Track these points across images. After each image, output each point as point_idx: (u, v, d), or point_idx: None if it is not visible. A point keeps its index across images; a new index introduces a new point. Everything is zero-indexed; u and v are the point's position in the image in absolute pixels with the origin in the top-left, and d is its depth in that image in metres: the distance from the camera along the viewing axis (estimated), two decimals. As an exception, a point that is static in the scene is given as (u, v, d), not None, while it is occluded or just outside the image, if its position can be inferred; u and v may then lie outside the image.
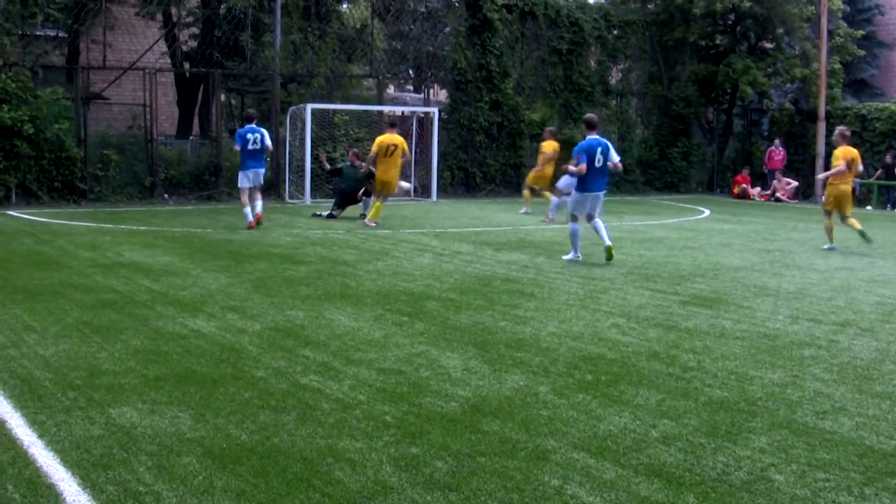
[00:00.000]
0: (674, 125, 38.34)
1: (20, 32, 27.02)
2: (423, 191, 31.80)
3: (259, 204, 20.68)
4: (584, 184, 16.14)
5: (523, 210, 26.48)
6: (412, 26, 36.68)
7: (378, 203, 21.86)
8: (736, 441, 6.53)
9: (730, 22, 38.13)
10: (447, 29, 35.48)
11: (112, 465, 5.76)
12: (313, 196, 28.78)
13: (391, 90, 41.72)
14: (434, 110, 31.94)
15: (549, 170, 25.22)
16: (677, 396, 7.60)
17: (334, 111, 30.91)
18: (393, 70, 37.03)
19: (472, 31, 33.74)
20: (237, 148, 20.37)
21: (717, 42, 38.98)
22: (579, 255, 16.11)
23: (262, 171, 20.76)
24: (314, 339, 9.43)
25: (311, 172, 28.77)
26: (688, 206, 31.31)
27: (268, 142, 20.55)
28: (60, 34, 31.80)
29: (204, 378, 7.84)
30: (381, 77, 34.53)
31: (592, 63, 37.36)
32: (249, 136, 20.05)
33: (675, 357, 9.01)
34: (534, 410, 7.11)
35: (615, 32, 37.74)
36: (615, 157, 16.29)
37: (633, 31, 37.82)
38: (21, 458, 5.89)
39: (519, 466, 5.91)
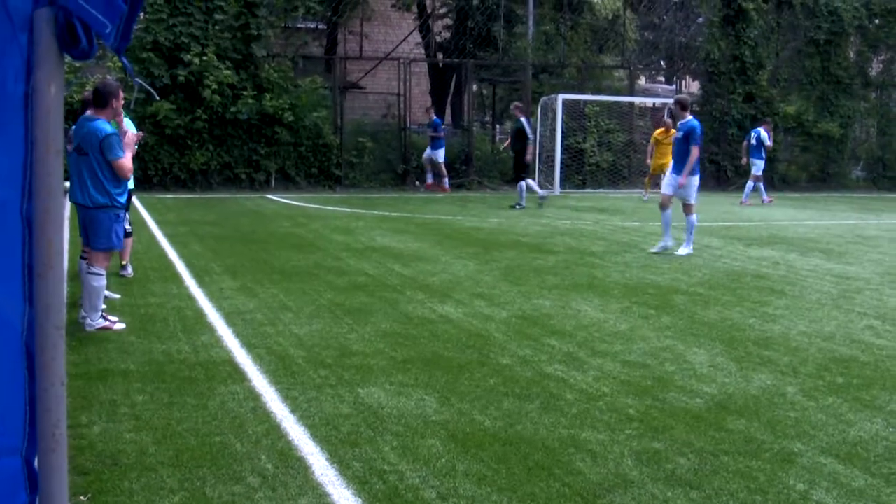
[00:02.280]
0: (939, 118, 36.49)
1: (283, 25, 28.12)
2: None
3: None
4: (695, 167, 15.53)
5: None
6: (664, 17, 36.22)
7: None
8: None
9: None
10: (700, 19, 34.89)
11: (359, 443, 5.92)
12: (563, 186, 28.84)
13: (643, 81, 41.34)
14: (686, 102, 31.43)
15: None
16: (935, 405, 7.23)
17: (585, 102, 30.85)
18: (645, 61, 36.69)
19: (726, 22, 33.03)
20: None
21: None
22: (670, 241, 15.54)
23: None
24: (560, 328, 9.43)
25: (562, 163, 28.83)
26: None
27: None
28: (320, 26, 32.96)
29: (450, 363, 7.96)
30: (632, 68, 34.26)
31: (852, 54, 35.96)
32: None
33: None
34: (781, 411, 6.90)
35: (877, 21, 36.16)
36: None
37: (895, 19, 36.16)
38: (274, 430, 6.13)
39: (763, 468, 5.75)
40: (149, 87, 11.48)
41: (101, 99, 8.62)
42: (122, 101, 8.90)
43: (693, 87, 38.05)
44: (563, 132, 28.81)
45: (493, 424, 6.37)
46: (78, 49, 2.38)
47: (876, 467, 5.82)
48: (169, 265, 12.80)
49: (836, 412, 6.92)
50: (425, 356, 8.15)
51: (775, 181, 33.52)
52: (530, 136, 23.78)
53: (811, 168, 34.87)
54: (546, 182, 29.09)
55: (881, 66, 37.77)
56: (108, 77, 8.95)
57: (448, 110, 38.01)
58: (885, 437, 6.41)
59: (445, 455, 5.77)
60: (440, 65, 35.99)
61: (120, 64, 9.13)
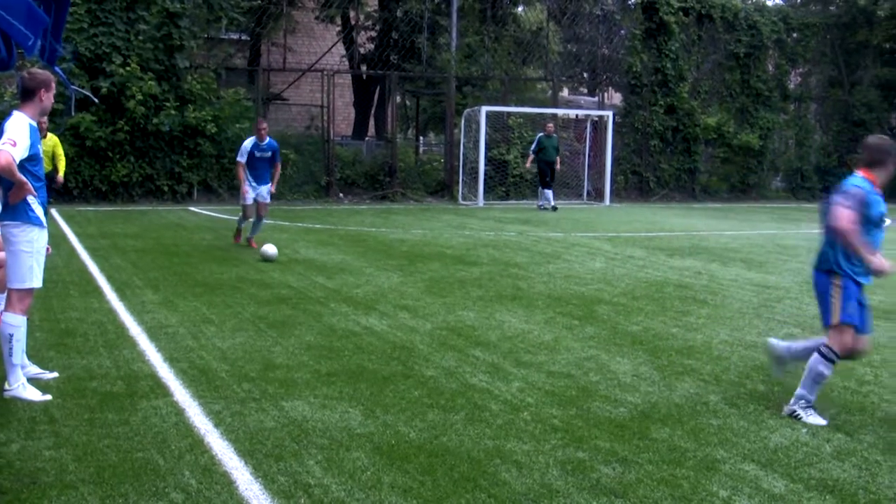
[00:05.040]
0: (854, 131, 37.17)
1: (206, 36, 27.90)
2: (596, 194, 31.67)
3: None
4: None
5: None
6: (587, 29, 36.52)
7: None
8: (915, 460, 6.29)
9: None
10: (623, 32, 35.25)
11: (283, 457, 5.88)
12: (486, 198, 28.93)
13: (565, 93, 41.63)
14: (608, 114, 31.75)
15: None
16: (853, 410, 7.36)
17: (508, 114, 30.99)
18: (568, 73, 36.93)
19: (648, 35, 33.43)
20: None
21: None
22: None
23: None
24: (485, 339, 9.45)
25: (485, 175, 28.95)
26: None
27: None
28: (243, 37, 32.77)
29: (375, 375, 7.93)
30: (555, 80, 34.47)
31: (770, 67, 36.58)
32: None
33: (852, 370, 8.71)
34: (704, 419, 6.98)
35: (794, 35, 36.86)
36: None
37: (812, 33, 36.84)
38: (198, 445, 6.05)
39: (687, 475, 5.80)
40: (87, 93, 11.17)
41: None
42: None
43: (616, 98, 38.36)
44: (486, 144, 28.92)
45: (419, 436, 6.36)
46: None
47: (796, 473, 5.91)
48: (89, 279, 12.61)
49: (757, 419, 7.02)
50: (350, 369, 8.11)
51: (696, 192, 33.94)
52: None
53: (732, 179, 35.36)
54: (470, 194, 29.19)
55: (799, 78, 38.45)
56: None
57: (371, 122, 37.97)
58: (804, 442, 6.51)
59: (371, 468, 5.74)
60: (364, 76, 35.96)
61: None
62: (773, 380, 8.14)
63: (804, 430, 6.76)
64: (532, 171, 29.59)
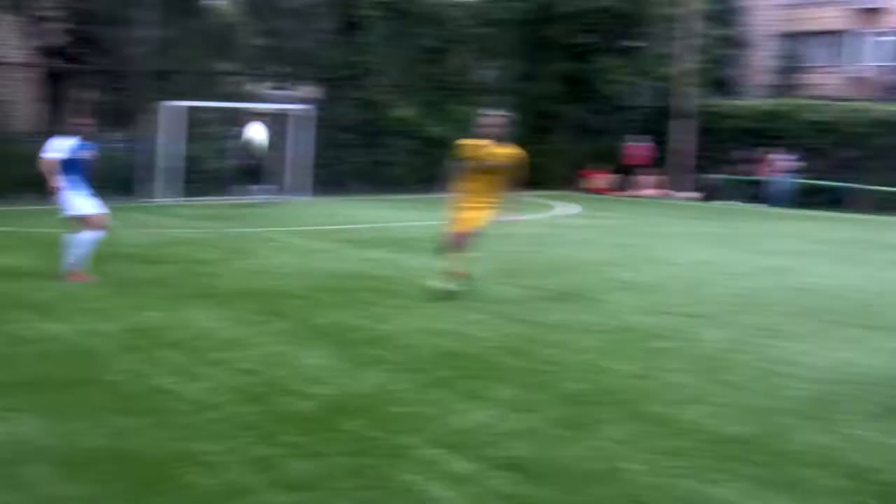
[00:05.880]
0: (540, 122, 38.62)
1: None
2: (289, 189, 31.64)
3: None
4: None
5: None
6: (284, 24, 36.38)
7: None
8: (591, 432, 6.65)
9: (595, 21, 38.57)
10: (319, 26, 35.31)
11: (-47, 477, 5.60)
12: (177, 194, 28.41)
13: (261, 87, 41.36)
14: (303, 108, 31.75)
15: None
16: (534, 390, 7.71)
17: (202, 108, 30.51)
18: (264, 67, 36.68)
19: (344, 29, 33.65)
20: None
21: (584, 41, 39.42)
22: None
23: None
24: (171, 339, 9.28)
25: (176, 170, 28.43)
26: (547, 201, 31.56)
27: None
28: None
29: (56, 382, 7.66)
30: (251, 74, 34.24)
31: (462, 61, 37.53)
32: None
33: (534, 351, 9.12)
34: (392, 408, 7.13)
35: (487, 30, 37.94)
36: None
37: (504, 28, 38.02)
38: None
39: (375, 464, 5.92)
40: None
41: None
42: None
43: (312, 93, 38.39)
44: (178, 139, 28.40)
45: (103, 443, 6.20)
46: None
47: (481, 453, 6.15)
48: None
49: (443, 405, 7.23)
50: (30, 378, 7.79)
51: (389, 184, 34.45)
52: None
53: (422, 171, 36.05)
54: (160, 190, 28.58)
55: (490, 72, 39.65)
56: None
57: (60, 117, 36.59)
58: (489, 424, 6.78)
59: (51, 480, 5.56)
60: (50, 70, 34.60)
61: None
62: (460, 366, 8.43)
63: (489, 413, 7.03)
64: (221, 166, 29.26)
